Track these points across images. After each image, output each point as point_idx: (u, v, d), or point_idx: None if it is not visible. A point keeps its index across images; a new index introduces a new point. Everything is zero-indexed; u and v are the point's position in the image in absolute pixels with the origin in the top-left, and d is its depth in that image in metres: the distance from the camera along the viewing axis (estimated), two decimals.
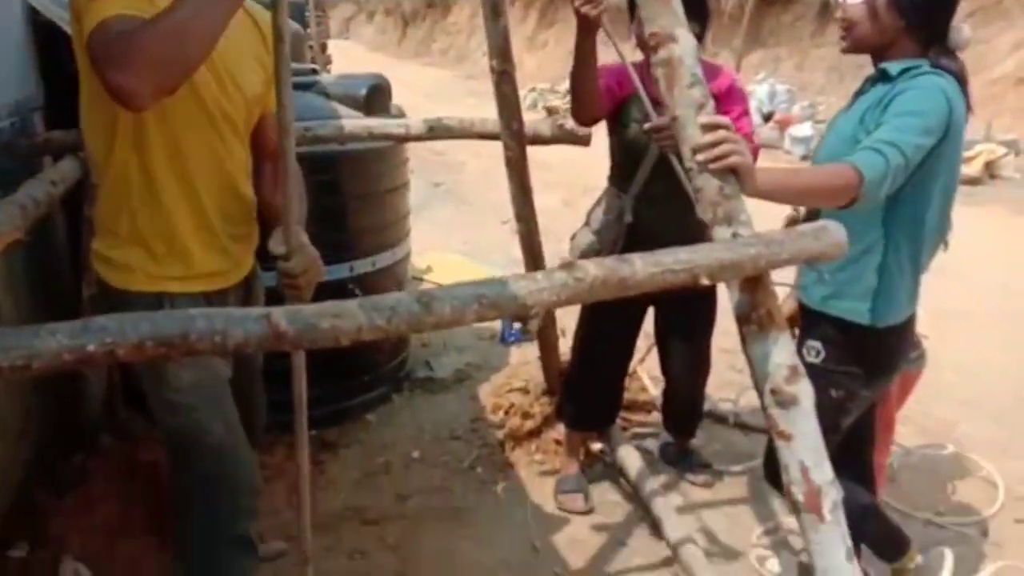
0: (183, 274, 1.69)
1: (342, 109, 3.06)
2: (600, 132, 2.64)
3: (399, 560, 2.48)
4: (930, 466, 3.08)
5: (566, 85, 13.01)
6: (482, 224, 6.50)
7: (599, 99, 2.34)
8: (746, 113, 2.46)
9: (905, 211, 1.83)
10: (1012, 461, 3.04)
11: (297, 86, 3.18)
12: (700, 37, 2.33)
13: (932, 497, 2.86)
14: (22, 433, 2.73)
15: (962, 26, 1.81)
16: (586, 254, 2.51)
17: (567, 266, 1.26)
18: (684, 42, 1.45)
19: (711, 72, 2.37)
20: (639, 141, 2.43)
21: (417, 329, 1.14)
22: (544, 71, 16.26)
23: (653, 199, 2.48)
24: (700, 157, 1.42)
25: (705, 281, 1.33)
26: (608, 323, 2.65)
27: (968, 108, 1.81)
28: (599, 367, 2.74)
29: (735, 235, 1.44)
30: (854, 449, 2.07)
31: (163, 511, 2.56)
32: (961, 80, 1.79)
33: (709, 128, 1.42)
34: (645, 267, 1.30)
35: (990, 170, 7.88)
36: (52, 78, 3.00)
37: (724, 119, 1.44)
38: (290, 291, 1.66)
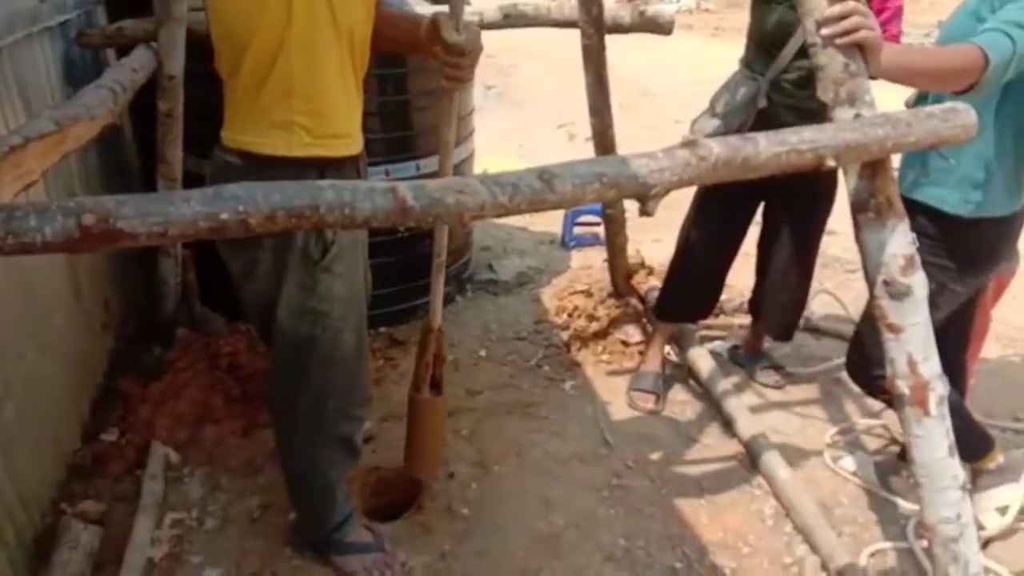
0: (329, 135, 1.69)
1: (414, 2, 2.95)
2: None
3: (475, 449, 2.53)
4: (1006, 372, 3.02)
5: None
6: (537, 128, 6.37)
7: None
8: (896, 16, 2.29)
9: (1011, 101, 1.73)
10: None
11: None
12: None
13: (1009, 403, 2.81)
14: (104, 324, 2.80)
15: None
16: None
17: (690, 144, 1.20)
18: None
19: None
20: (787, 21, 2.31)
21: (538, 207, 1.11)
22: None
23: (790, 86, 2.37)
24: (826, 31, 1.34)
25: (831, 163, 1.27)
26: (718, 214, 2.60)
27: None
28: (704, 259, 2.69)
29: (858, 116, 1.37)
30: (948, 347, 2.01)
31: (244, 399, 2.66)
32: None
33: (835, 16, 1.33)
34: (769, 146, 1.24)
35: None
36: None
37: (853, 4, 1.34)
38: (455, 73, 1.72)
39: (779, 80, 2.38)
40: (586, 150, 4.59)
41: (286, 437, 1.94)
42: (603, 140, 2.80)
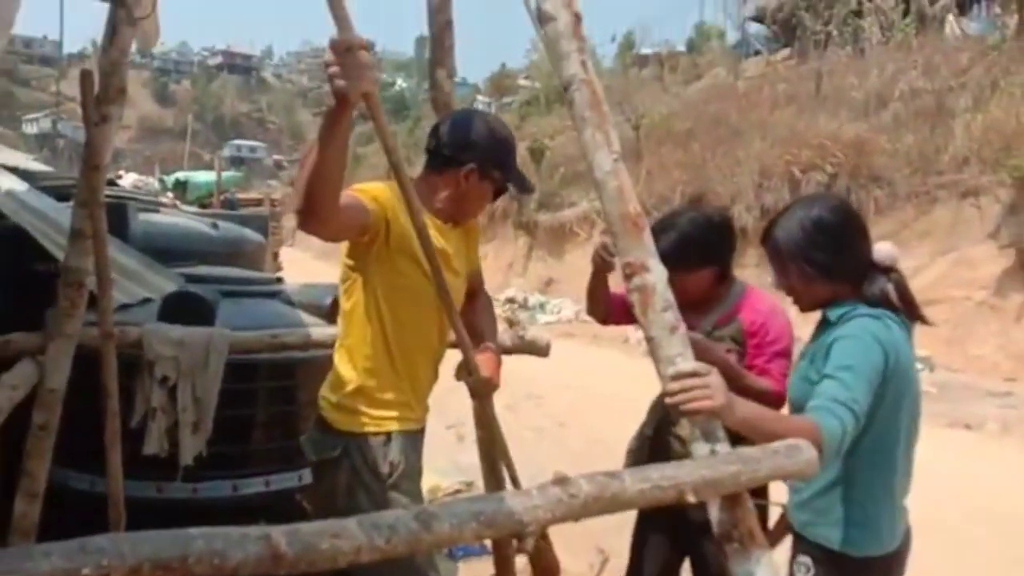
0: (402, 416, 2.11)
1: (306, 317, 3.12)
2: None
3: None
4: None
5: (506, 294, 13.54)
6: (427, 430, 6.42)
7: (610, 306, 2.60)
8: (779, 356, 2.34)
9: (868, 447, 1.85)
10: None
11: (262, 294, 3.28)
12: (725, 272, 2.45)
13: None
14: None
15: (880, 245, 1.95)
16: (629, 459, 2.61)
17: (561, 481, 1.27)
18: (656, 271, 1.58)
19: (740, 304, 2.43)
20: None
21: (416, 548, 1.12)
22: (486, 283, 16.89)
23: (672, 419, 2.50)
24: (668, 400, 1.50)
25: (691, 498, 1.36)
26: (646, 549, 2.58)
27: (914, 318, 1.91)
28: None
29: (713, 451, 1.49)
30: None
31: None
32: (899, 304, 1.89)
33: (677, 378, 1.48)
34: (634, 483, 1.32)
35: None
36: (10, 281, 3.01)
37: (695, 367, 1.49)
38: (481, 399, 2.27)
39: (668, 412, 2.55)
40: (475, 451, 4.63)
41: None
42: (489, 455, 2.86)
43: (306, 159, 1.64)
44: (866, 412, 1.73)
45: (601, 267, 2.44)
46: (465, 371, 2.14)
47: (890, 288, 1.90)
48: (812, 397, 1.75)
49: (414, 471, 2.14)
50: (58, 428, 2.44)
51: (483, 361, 2.17)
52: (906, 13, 18.62)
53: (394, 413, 2.09)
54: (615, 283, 2.46)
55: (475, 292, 2.42)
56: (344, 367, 2.13)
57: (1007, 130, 11.31)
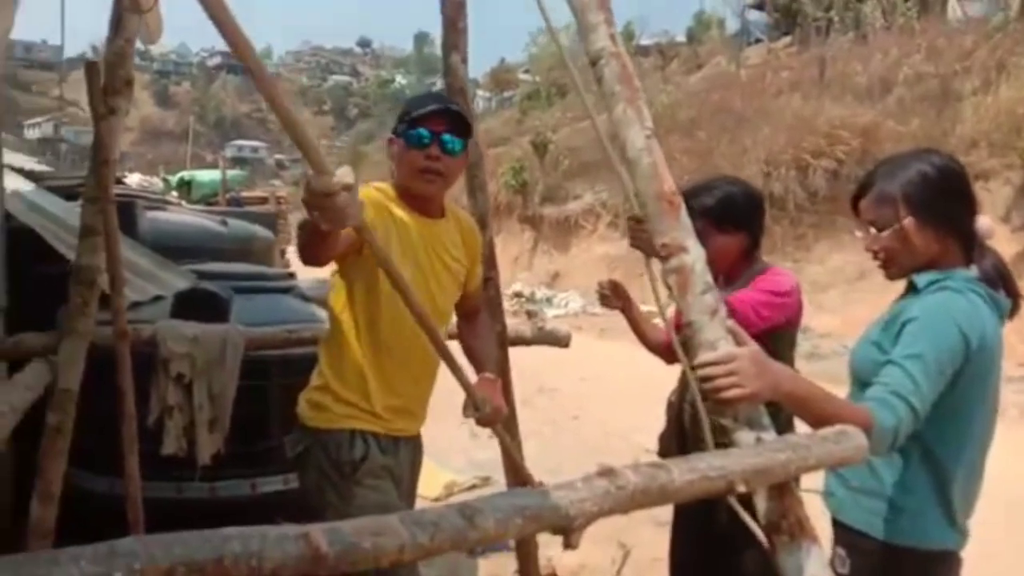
0: (368, 419, 2.04)
1: (320, 312, 3.06)
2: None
3: None
4: None
5: (513, 288, 13.51)
6: (440, 426, 6.36)
7: (665, 343, 2.42)
8: (763, 293, 2.24)
9: (934, 427, 1.66)
10: None
11: (276, 290, 3.23)
12: (755, 244, 2.36)
13: None
14: None
15: (981, 218, 1.77)
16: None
17: (607, 473, 1.21)
18: (694, 252, 1.51)
19: (758, 281, 2.33)
20: None
21: (460, 546, 1.07)
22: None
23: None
24: (703, 387, 1.43)
25: (741, 488, 1.30)
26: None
27: (1016, 300, 1.75)
28: None
29: (758, 439, 1.43)
30: None
31: None
32: (996, 279, 1.73)
33: (702, 366, 1.42)
34: (682, 474, 1.26)
35: None
36: (19, 281, 2.96)
37: (718, 355, 1.41)
38: (482, 424, 2.09)
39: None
40: (489, 446, 4.59)
41: None
42: (507, 449, 2.80)
43: (304, 229, 1.69)
44: (929, 407, 1.58)
45: (611, 306, 2.44)
46: (472, 407, 2.06)
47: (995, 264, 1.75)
48: (875, 376, 1.62)
49: (382, 469, 2.05)
50: (73, 429, 2.39)
51: (485, 393, 2.06)
52: None
53: (357, 413, 2.05)
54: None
55: (473, 313, 2.32)
56: (319, 366, 2.13)
57: (1017, 112, 11.20)
